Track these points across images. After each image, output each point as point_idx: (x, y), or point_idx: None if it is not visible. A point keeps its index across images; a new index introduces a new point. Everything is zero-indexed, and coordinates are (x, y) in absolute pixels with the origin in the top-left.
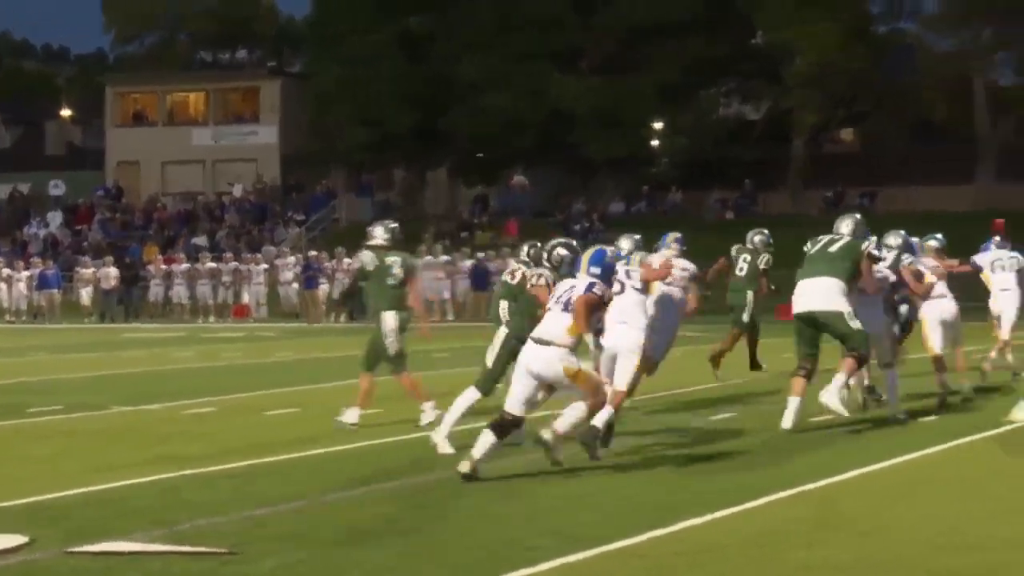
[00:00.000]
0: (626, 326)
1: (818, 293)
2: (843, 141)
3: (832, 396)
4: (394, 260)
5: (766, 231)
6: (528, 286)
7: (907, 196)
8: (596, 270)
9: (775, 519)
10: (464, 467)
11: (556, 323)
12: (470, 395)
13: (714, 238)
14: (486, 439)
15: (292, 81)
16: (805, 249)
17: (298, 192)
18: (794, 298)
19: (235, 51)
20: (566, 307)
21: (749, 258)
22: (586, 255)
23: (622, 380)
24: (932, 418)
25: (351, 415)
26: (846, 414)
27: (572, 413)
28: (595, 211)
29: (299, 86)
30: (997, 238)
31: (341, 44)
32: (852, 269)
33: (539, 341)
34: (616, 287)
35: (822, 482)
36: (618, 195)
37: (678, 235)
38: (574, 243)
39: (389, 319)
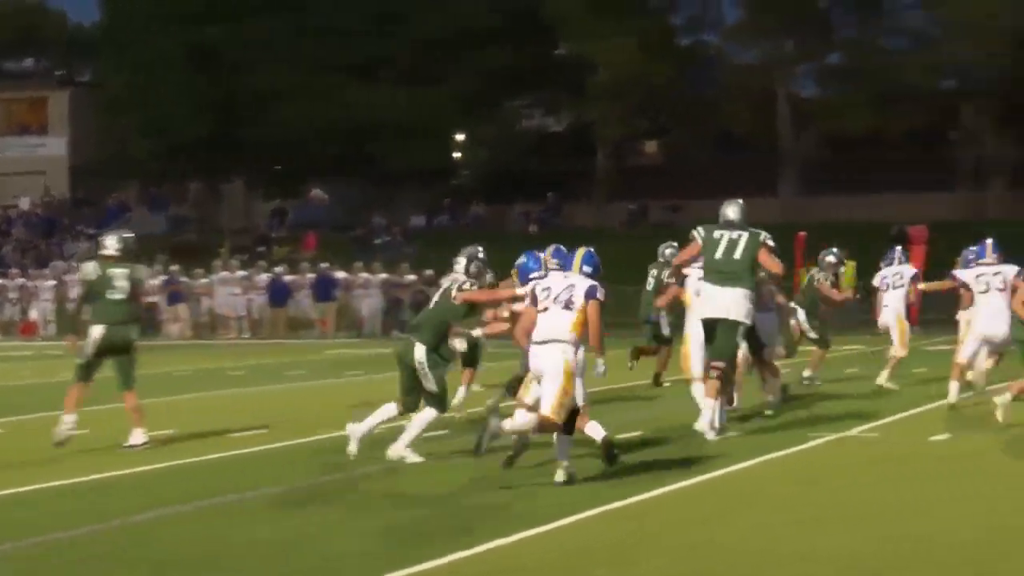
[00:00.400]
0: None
1: (725, 302)
2: (647, 154)
3: (704, 423)
4: (119, 272)
5: (676, 244)
6: (455, 293)
7: (712, 209)
8: (588, 269)
9: (583, 538)
10: (560, 476)
11: (558, 321)
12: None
13: (518, 252)
14: (563, 440)
15: (82, 91)
16: (693, 235)
17: (89, 205)
18: (702, 302)
19: (21, 59)
20: (567, 305)
21: (656, 272)
22: (578, 254)
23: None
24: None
25: (137, 436)
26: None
27: (522, 420)
28: (396, 225)
29: (89, 96)
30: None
31: (131, 51)
32: (754, 269)
33: (544, 342)
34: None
35: (632, 499)
36: (420, 208)
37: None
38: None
39: (94, 331)
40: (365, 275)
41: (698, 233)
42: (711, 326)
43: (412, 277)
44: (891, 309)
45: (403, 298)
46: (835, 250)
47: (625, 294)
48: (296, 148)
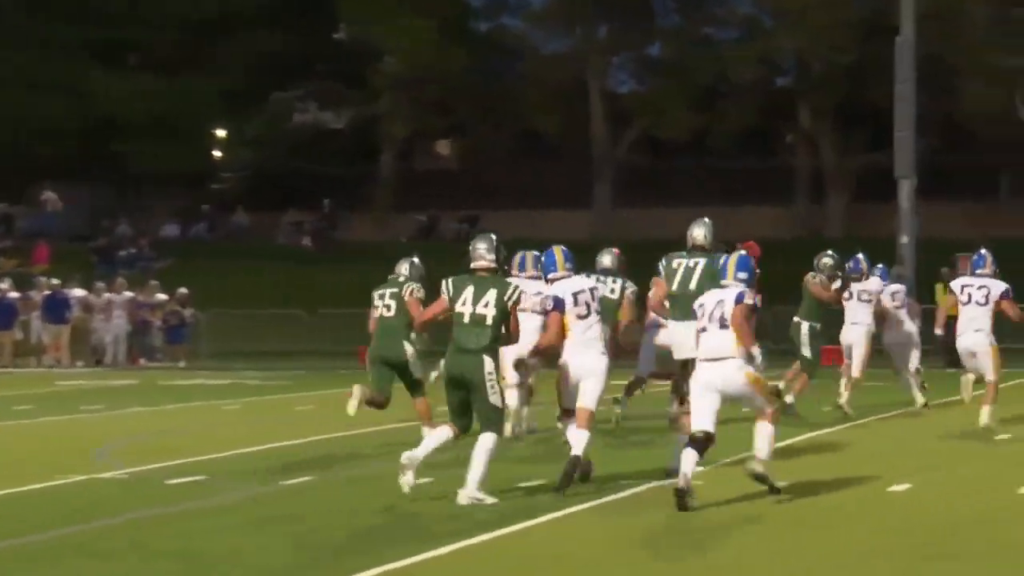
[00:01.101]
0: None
1: (689, 341)
2: (440, 156)
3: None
4: None
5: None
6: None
7: (515, 221)
8: (744, 275)
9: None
10: (682, 482)
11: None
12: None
13: (291, 267)
14: (689, 456)
15: None
16: (661, 267)
17: None
18: (677, 343)
19: None
20: (722, 324)
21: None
22: (732, 259)
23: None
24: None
25: None
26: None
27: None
28: (144, 235)
29: None
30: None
31: None
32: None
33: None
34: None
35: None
36: (173, 216)
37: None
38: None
39: None
40: (108, 294)
41: (661, 265)
42: (685, 366)
43: (163, 296)
44: (861, 325)
45: (152, 321)
46: (830, 252)
47: None
48: (24, 144)
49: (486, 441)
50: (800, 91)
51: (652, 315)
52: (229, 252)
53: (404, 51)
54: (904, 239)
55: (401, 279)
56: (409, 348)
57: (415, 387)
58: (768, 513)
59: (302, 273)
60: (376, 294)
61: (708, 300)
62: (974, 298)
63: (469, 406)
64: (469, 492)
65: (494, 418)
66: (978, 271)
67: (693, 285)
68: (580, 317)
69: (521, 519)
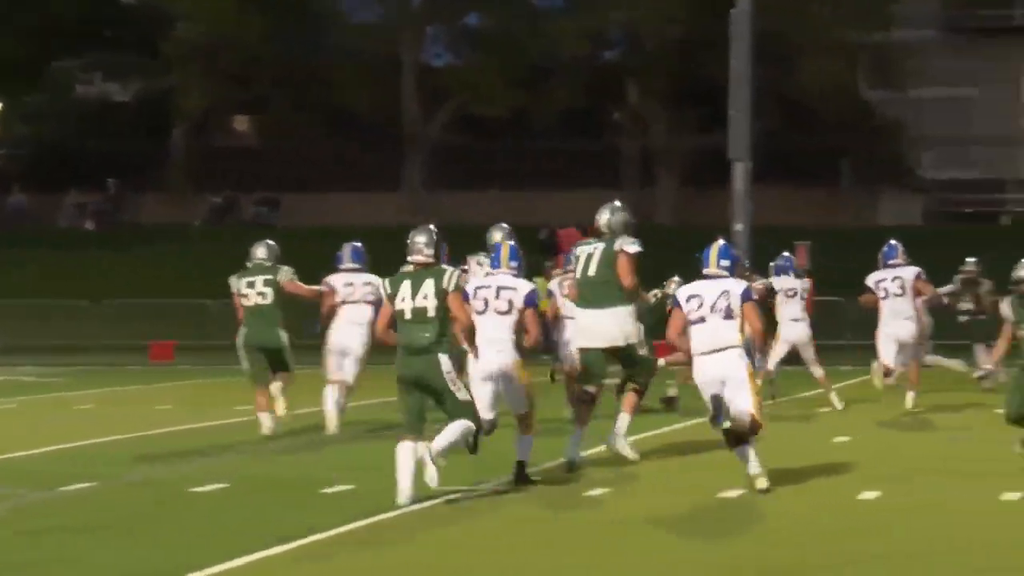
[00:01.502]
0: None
1: (596, 326)
2: (239, 133)
3: (621, 442)
4: None
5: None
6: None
7: (319, 204)
8: (726, 263)
9: None
10: (762, 483)
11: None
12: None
13: (73, 253)
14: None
15: None
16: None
17: None
18: (578, 329)
19: None
20: (728, 314)
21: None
22: (714, 248)
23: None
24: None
25: None
26: (636, 458)
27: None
28: None
29: None
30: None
31: None
32: (619, 283)
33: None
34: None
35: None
36: None
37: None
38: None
39: None
40: None
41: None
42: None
43: None
44: (802, 323)
45: None
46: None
47: (196, 310)
48: None
49: (463, 422)
50: (629, 67)
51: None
52: (4, 237)
53: (199, 17)
54: (738, 226)
55: (268, 264)
56: (284, 334)
57: (285, 370)
58: (589, 519)
59: (85, 259)
60: (244, 281)
61: (707, 292)
62: (891, 291)
63: (424, 410)
64: (434, 449)
65: (468, 414)
66: (890, 262)
67: (592, 271)
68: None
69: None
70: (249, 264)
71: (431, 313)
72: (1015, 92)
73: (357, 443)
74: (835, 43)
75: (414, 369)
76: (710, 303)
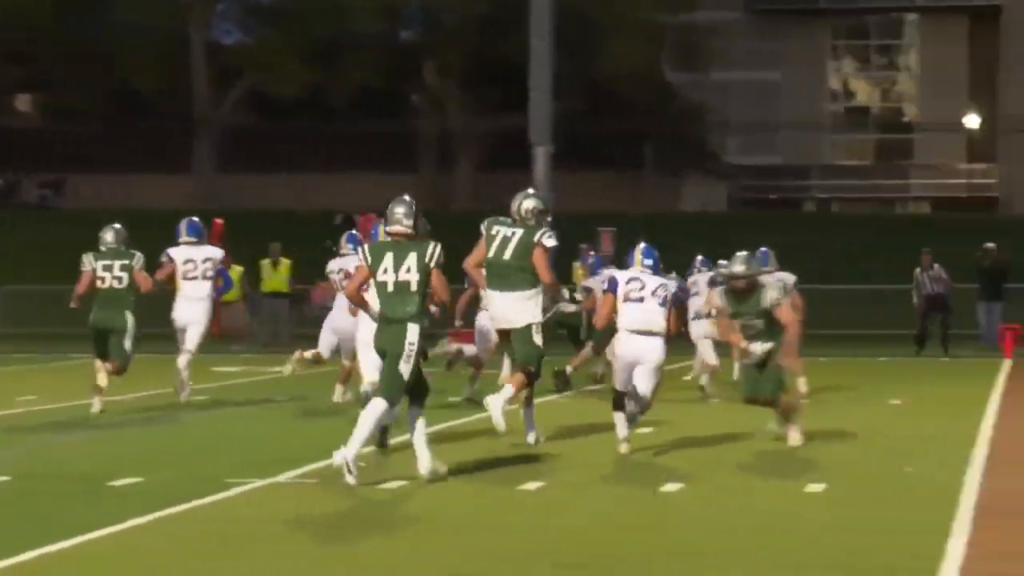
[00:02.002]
0: None
1: (508, 309)
2: (20, 112)
3: (496, 407)
4: None
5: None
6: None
7: (106, 187)
8: (650, 262)
9: None
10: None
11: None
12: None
13: None
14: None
15: None
16: (482, 228)
17: None
18: (491, 310)
19: None
20: (664, 302)
21: None
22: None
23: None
24: None
25: None
26: (503, 429)
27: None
28: None
29: None
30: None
31: None
32: (533, 270)
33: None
34: None
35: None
36: None
37: None
38: None
39: None
40: None
41: (483, 227)
42: (506, 335)
43: None
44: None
45: None
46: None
47: None
48: None
49: (376, 406)
50: (427, 46)
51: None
52: None
53: None
54: None
55: (122, 249)
56: (130, 318)
57: (119, 355)
58: (395, 513)
59: None
60: (101, 264)
61: (647, 279)
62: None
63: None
64: (347, 452)
65: (393, 387)
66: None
67: (508, 255)
68: None
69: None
70: (102, 248)
71: (413, 288)
72: (820, 76)
73: (150, 431)
74: (638, 24)
75: (385, 341)
76: (651, 289)
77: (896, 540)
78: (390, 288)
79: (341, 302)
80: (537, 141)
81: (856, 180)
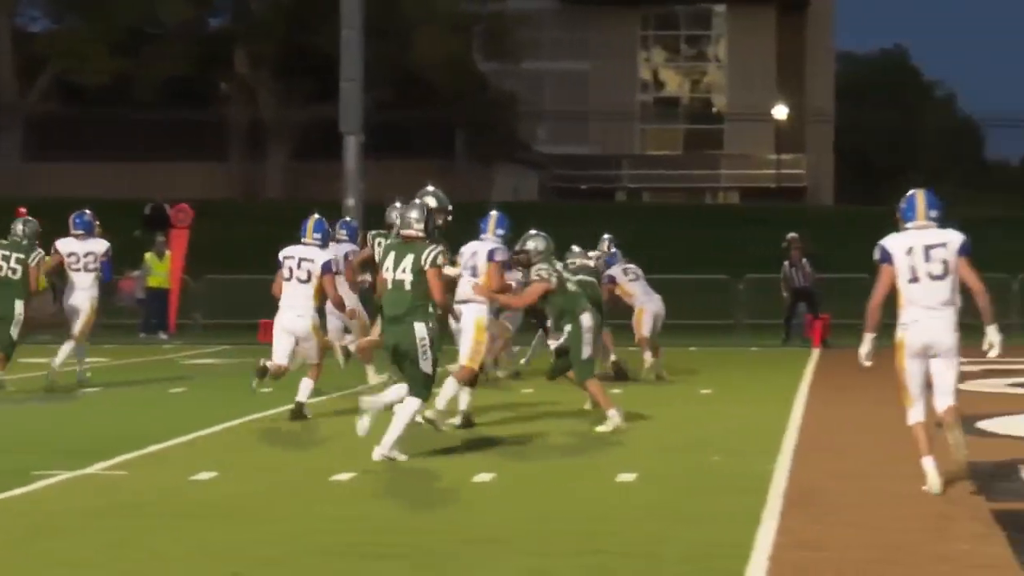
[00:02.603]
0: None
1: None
2: None
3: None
4: None
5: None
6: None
7: None
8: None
9: None
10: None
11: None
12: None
13: None
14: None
15: None
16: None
17: None
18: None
19: None
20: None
21: None
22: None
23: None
24: None
25: None
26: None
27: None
28: None
29: None
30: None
31: None
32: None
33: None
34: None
35: None
36: None
37: None
38: None
39: None
40: None
41: (370, 235)
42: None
43: None
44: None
45: None
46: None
47: None
48: None
49: (411, 405)
50: (237, 34)
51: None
52: None
53: None
54: (350, 201)
55: (24, 243)
56: (20, 307)
57: (6, 346)
58: (204, 501)
59: None
60: (0, 253)
61: (467, 250)
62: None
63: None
64: (383, 450)
65: (421, 384)
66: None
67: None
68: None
69: None
70: (8, 238)
71: (407, 287)
72: (630, 67)
73: None
74: (449, 14)
75: (393, 336)
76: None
77: (704, 528)
78: (389, 286)
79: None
80: (348, 130)
81: (666, 170)
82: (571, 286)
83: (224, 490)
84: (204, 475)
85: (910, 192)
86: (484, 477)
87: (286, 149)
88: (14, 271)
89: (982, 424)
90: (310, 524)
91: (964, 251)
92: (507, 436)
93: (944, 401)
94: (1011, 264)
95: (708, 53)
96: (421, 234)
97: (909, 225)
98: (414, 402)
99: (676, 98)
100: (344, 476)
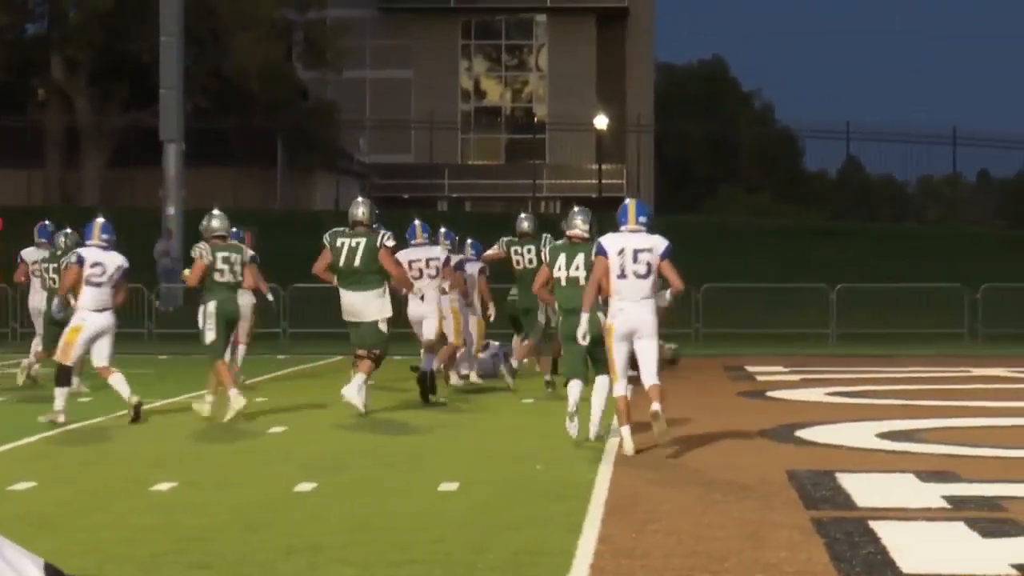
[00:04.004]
0: None
1: (357, 307)
2: None
3: (352, 392)
4: None
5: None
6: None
7: None
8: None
9: None
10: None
11: None
12: None
13: None
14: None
15: None
16: (326, 241)
17: None
18: (342, 306)
19: None
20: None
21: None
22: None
23: None
24: None
25: None
26: (362, 411)
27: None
28: None
29: None
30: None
31: None
32: (382, 270)
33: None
34: None
35: None
36: None
37: None
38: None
39: None
40: None
41: (326, 239)
42: (356, 326)
43: None
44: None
45: None
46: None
47: None
48: None
49: (603, 382)
50: (53, 41)
51: None
52: None
53: None
54: (171, 210)
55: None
56: None
57: None
58: (28, 513)
59: None
60: None
61: (347, 242)
62: (425, 272)
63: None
64: (597, 429)
65: (605, 363)
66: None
67: (358, 262)
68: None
69: None
70: None
71: (582, 283)
72: (451, 75)
73: None
74: (268, 21)
75: (572, 327)
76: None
77: (525, 536)
78: (563, 283)
79: None
80: (168, 138)
81: (488, 180)
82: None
83: (41, 499)
84: (22, 485)
85: (625, 200)
86: (305, 487)
87: (103, 156)
88: None
89: (800, 433)
90: (128, 534)
91: (666, 255)
92: (329, 445)
93: (650, 380)
94: (829, 275)
95: (529, 63)
96: (587, 234)
97: (623, 228)
98: (605, 379)
99: (498, 108)
100: (164, 486)
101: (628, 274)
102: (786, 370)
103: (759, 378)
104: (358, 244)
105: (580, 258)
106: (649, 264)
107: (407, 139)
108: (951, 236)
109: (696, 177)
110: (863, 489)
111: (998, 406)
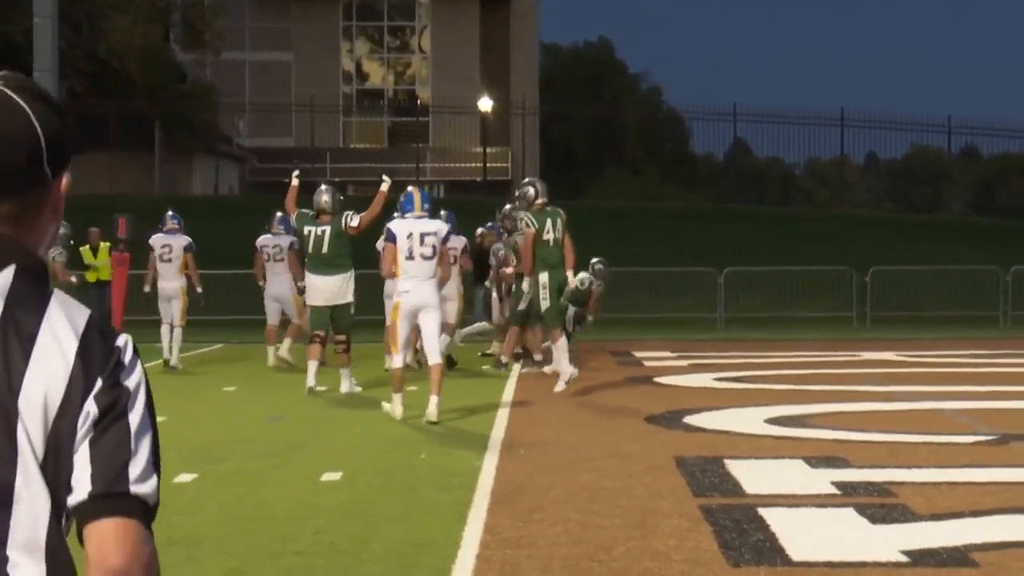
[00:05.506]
0: None
1: (332, 291)
2: None
3: (345, 389)
4: None
5: None
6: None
7: None
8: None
9: None
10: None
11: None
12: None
13: None
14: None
15: None
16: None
17: None
18: (311, 290)
19: None
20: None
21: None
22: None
23: None
24: None
25: None
26: (358, 389)
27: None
28: None
29: None
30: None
31: None
32: (351, 254)
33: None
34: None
35: None
36: None
37: None
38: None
39: None
40: None
41: (293, 222)
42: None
43: None
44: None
45: None
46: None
47: None
48: None
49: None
50: None
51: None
52: None
53: None
54: None
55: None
56: None
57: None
58: None
59: None
60: None
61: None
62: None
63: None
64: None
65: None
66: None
67: (326, 249)
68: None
69: None
70: None
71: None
72: (333, 58)
73: None
74: (145, 2)
75: (557, 280)
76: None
77: (410, 526)
78: (551, 245)
79: (275, 271)
80: None
81: (371, 163)
82: None
83: None
84: None
85: (408, 189)
86: (185, 478)
87: None
88: None
89: (688, 419)
90: None
91: (447, 238)
92: (209, 435)
93: (433, 359)
94: (717, 259)
95: (412, 44)
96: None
97: (408, 215)
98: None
99: (380, 90)
100: None
101: (416, 256)
102: (674, 355)
103: (647, 364)
104: (324, 232)
105: (559, 222)
106: (434, 247)
107: (288, 122)
108: (839, 219)
109: (582, 160)
110: (752, 475)
111: (887, 390)
